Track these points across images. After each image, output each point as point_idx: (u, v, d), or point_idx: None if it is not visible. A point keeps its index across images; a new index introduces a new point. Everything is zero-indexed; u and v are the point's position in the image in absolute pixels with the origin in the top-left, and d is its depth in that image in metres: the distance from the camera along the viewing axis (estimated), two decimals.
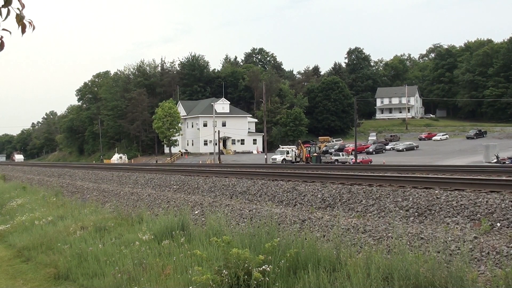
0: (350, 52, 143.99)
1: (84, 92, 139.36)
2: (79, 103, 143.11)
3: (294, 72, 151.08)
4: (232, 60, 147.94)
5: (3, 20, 3.28)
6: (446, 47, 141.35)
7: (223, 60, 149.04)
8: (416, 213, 11.04)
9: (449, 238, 8.85)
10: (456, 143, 78.17)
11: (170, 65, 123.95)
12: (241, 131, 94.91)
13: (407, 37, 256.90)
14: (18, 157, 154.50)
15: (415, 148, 76.26)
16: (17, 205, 22.58)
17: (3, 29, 3.34)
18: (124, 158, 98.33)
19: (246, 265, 7.03)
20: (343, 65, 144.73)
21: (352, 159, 57.76)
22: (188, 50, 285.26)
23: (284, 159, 61.54)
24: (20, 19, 3.28)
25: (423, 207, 11.14)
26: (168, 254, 9.55)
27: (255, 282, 6.78)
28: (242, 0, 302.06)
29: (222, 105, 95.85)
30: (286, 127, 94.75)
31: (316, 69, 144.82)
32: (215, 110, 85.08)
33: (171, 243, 10.13)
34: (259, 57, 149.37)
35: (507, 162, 45.02)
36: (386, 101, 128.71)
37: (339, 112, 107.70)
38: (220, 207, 14.69)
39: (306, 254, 7.75)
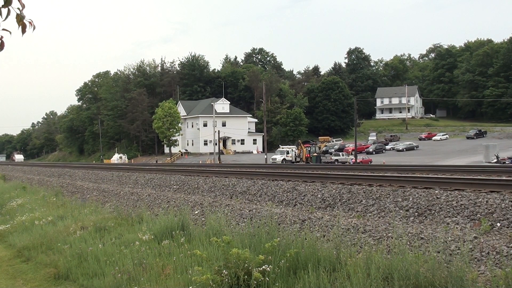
0: (350, 52, 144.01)
1: (84, 92, 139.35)
2: (79, 103, 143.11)
3: (294, 72, 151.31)
4: (232, 60, 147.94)
5: (3, 20, 3.28)
6: (446, 47, 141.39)
7: (223, 60, 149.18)
8: (416, 213, 11.04)
9: (449, 238, 8.85)
10: (456, 143, 78.16)
11: (170, 65, 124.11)
12: (241, 131, 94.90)
13: (407, 37, 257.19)
14: (18, 157, 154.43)
15: (415, 148, 76.24)
16: (17, 205, 22.56)
17: (3, 29, 3.34)
18: (124, 158, 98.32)
19: (246, 265, 7.02)
20: (343, 65, 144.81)
21: (352, 159, 57.75)
22: (188, 50, 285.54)
23: (284, 159, 61.53)
24: (20, 19, 3.28)
25: (423, 207, 11.14)
26: (168, 254, 9.54)
27: (255, 282, 6.78)
28: (242, 0, 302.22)
29: (222, 105, 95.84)
30: (286, 127, 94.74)
31: (316, 69, 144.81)
32: (215, 110, 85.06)
33: (171, 243, 10.13)
34: (259, 57, 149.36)
35: (507, 162, 45.02)
36: (386, 101, 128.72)
37: (339, 112, 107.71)
38: (220, 207, 14.68)
39: (306, 254, 7.74)
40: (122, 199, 20.81)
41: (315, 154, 59.71)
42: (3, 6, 3.22)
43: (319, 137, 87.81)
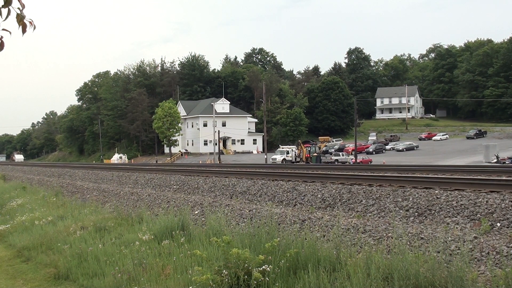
0: (350, 52, 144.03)
1: (84, 92, 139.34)
2: (79, 103, 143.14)
3: (294, 72, 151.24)
4: (232, 60, 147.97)
5: (3, 20, 3.28)
6: (446, 47, 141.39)
7: (223, 60, 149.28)
8: (416, 213, 11.04)
9: (449, 238, 8.85)
10: (456, 143, 78.16)
11: (170, 65, 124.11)
12: (241, 131, 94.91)
13: (407, 37, 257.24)
14: (18, 157, 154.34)
15: (415, 148, 76.25)
16: (17, 205, 22.57)
17: (3, 29, 3.34)
18: (124, 158, 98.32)
19: (246, 265, 7.02)
20: (343, 65, 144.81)
21: (352, 159, 57.76)
22: (188, 50, 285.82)
23: (284, 159, 61.53)
24: (20, 19, 3.28)
25: (423, 207, 11.14)
26: (168, 254, 9.54)
27: (255, 282, 6.78)
28: (242, 0, 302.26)
29: (222, 105, 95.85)
30: (286, 127, 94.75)
31: (316, 69, 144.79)
32: (215, 110, 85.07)
33: (171, 243, 10.13)
34: (259, 57, 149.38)
35: (507, 162, 45.03)
36: (386, 101, 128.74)
37: (339, 112, 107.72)
38: (220, 207, 14.68)
39: (306, 254, 7.74)
40: (122, 199, 20.81)
41: (315, 154, 59.71)
42: (3, 6, 3.22)
43: (319, 137, 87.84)
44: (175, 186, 21.43)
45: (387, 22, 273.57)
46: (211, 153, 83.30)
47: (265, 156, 66.85)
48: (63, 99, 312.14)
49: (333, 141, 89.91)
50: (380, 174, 18.41)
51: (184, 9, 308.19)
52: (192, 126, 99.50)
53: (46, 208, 20.04)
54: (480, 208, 10.15)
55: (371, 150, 73.58)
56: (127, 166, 46.02)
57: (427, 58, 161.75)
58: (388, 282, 6.62)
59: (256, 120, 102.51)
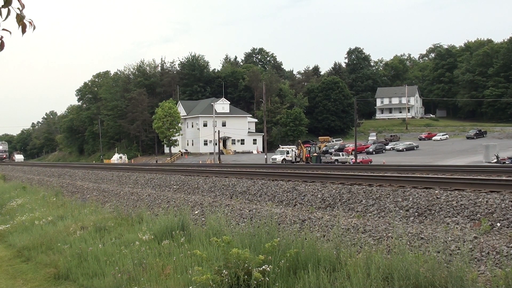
0: (350, 52, 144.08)
1: (84, 92, 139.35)
2: (79, 103, 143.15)
3: (294, 72, 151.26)
4: (232, 60, 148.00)
5: (3, 20, 3.28)
6: (446, 47, 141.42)
7: (223, 60, 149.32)
8: (416, 213, 11.04)
9: (449, 238, 8.85)
10: (456, 143, 78.15)
11: (170, 65, 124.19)
12: (241, 131, 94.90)
13: (407, 37, 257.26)
14: (18, 157, 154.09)
15: (415, 148, 76.26)
16: (17, 205, 22.56)
17: (3, 29, 3.34)
18: (124, 158, 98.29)
19: (246, 265, 7.02)
20: (343, 65, 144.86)
21: (352, 159, 57.75)
22: (188, 50, 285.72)
23: (284, 159, 61.54)
24: (20, 19, 3.29)
25: (423, 207, 11.14)
26: (168, 254, 9.54)
27: (255, 282, 6.77)
28: (242, 0, 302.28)
29: (222, 105, 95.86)
30: (286, 127, 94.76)
31: (316, 69, 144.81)
32: (215, 110, 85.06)
33: (171, 243, 10.13)
34: (259, 57, 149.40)
35: (507, 162, 45.02)
36: (386, 101, 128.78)
37: (339, 112, 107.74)
38: (220, 207, 14.67)
39: (306, 254, 7.74)
40: (122, 199, 20.81)
41: (315, 154, 59.71)
42: (3, 6, 3.22)
43: (319, 137, 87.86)
44: (175, 186, 21.43)
45: (387, 22, 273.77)
46: (211, 153, 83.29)
47: (265, 156, 66.85)
48: (63, 99, 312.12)
49: (333, 141, 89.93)
50: (380, 174, 18.41)
51: (184, 9, 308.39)
52: (192, 126, 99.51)
53: (46, 208, 20.03)
54: (480, 208, 10.15)
55: (371, 150, 73.59)
56: (127, 166, 46.02)
57: (427, 58, 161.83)
58: (388, 282, 6.62)
59: (256, 120, 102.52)
